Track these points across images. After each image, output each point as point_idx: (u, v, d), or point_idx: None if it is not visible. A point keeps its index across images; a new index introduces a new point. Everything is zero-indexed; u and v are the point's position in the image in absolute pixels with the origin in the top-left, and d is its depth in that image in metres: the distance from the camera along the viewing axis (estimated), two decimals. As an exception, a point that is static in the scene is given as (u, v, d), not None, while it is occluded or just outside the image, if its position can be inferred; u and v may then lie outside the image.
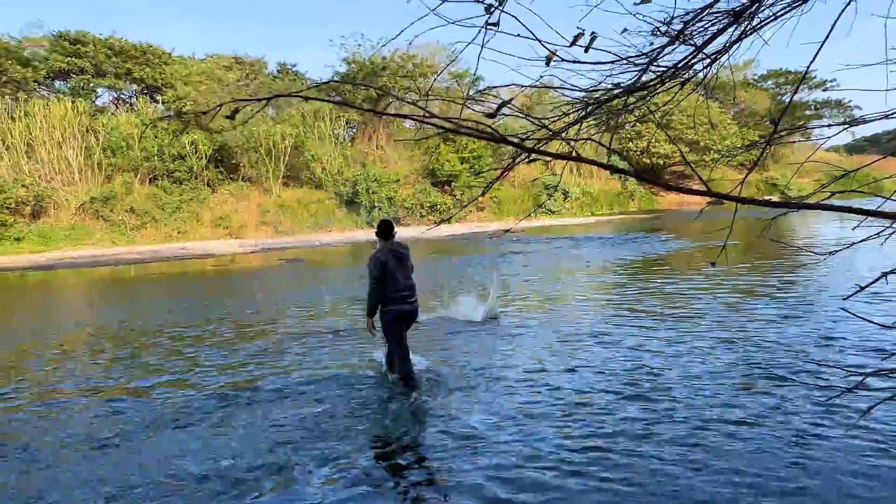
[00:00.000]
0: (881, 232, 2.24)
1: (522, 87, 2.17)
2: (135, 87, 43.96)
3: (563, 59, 2.02)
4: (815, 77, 53.14)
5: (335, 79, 44.65)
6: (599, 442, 4.26)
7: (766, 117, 55.13)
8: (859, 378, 3.75)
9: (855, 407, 4.59)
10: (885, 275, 2.22)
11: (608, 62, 2.25)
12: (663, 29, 2.26)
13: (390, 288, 5.63)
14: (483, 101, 1.91)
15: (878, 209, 1.82)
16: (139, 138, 36.99)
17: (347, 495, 3.71)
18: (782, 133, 2.52)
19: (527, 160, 1.77)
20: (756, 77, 60.89)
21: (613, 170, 1.82)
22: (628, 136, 48.99)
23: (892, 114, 2.06)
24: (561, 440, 4.33)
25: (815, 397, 4.87)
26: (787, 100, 57.45)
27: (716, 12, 2.41)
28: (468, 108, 1.93)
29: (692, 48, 2.47)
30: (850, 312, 2.53)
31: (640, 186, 52.22)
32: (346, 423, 4.89)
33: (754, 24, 2.44)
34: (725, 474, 3.71)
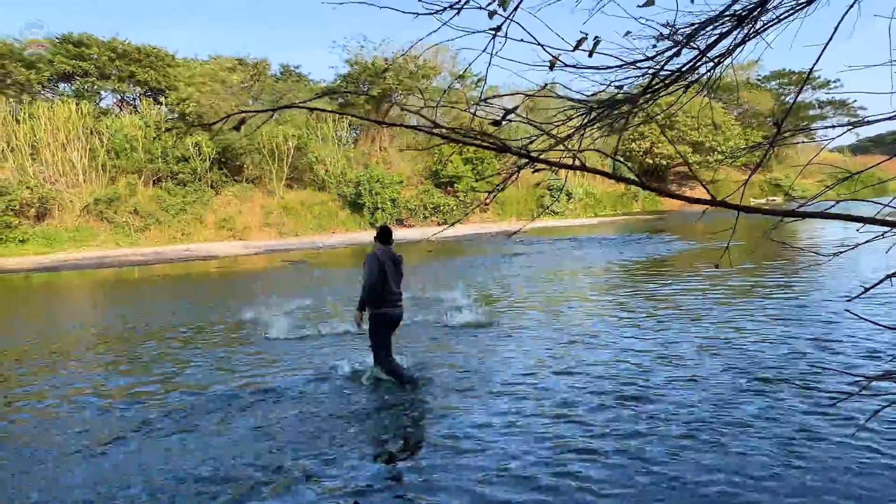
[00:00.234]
0: (885, 234, 2.24)
1: (527, 94, 2.19)
2: (138, 89, 44.13)
3: (566, 65, 2.02)
4: (818, 77, 53.03)
5: (339, 84, 44.76)
6: (591, 444, 4.25)
7: (770, 117, 55.01)
8: (865, 381, 3.75)
9: (852, 408, 4.57)
10: (889, 276, 2.22)
11: (612, 67, 2.25)
12: (666, 32, 2.26)
13: (385, 290, 5.78)
14: (489, 106, 1.91)
15: (876, 216, 1.81)
16: (147, 147, 37.17)
17: (342, 495, 3.72)
18: (786, 134, 2.52)
19: (532, 171, 1.77)
20: (759, 77, 60.78)
21: (618, 179, 1.82)
22: (631, 136, 48.91)
23: (897, 116, 2.06)
24: (551, 442, 4.33)
25: (815, 400, 4.86)
26: (791, 102, 57.28)
27: (719, 16, 2.41)
28: (471, 113, 1.94)
29: (696, 52, 2.47)
30: (855, 314, 2.53)
31: (643, 187, 52.11)
32: (345, 424, 4.90)
33: (757, 27, 2.44)
34: (715, 475, 3.71)
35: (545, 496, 3.60)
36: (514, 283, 13.30)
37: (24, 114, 36.78)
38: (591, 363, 6.33)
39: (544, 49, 2.10)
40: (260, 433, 4.82)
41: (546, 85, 2.09)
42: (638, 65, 2.32)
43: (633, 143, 48.48)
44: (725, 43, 2.48)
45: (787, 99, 58.77)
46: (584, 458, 4.06)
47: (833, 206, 1.82)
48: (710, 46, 2.47)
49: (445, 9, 1.82)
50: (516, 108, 1.84)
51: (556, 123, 2.20)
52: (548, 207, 42.08)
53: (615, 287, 12.20)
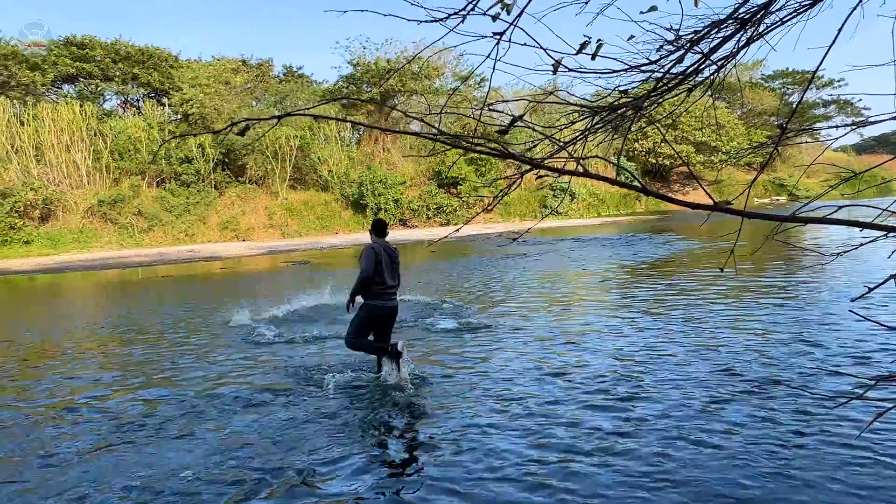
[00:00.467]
0: (888, 234, 2.25)
1: (532, 100, 2.20)
2: (142, 90, 44.28)
3: (568, 69, 2.03)
4: (822, 77, 52.93)
5: (341, 86, 44.81)
6: (588, 445, 4.24)
7: (773, 116, 54.92)
8: (871, 382, 3.73)
9: (854, 408, 4.57)
10: (893, 277, 2.22)
11: (616, 70, 2.26)
12: (670, 38, 2.27)
13: (377, 281, 6.00)
14: (494, 111, 1.92)
15: (874, 221, 1.82)
16: (151, 149, 37.26)
17: (341, 496, 3.73)
18: (789, 134, 2.52)
19: (536, 177, 1.78)
20: (763, 77, 60.68)
21: (621, 185, 1.83)
22: (634, 136, 48.83)
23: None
24: (547, 443, 4.32)
25: (814, 402, 4.84)
26: (795, 102, 57.14)
27: (723, 19, 2.41)
28: (476, 119, 1.95)
29: (699, 55, 2.48)
30: (859, 315, 2.53)
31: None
32: (342, 426, 4.91)
33: (761, 29, 2.44)
34: (711, 475, 3.71)
35: (543, 497, 3.60)
36: (514, 283, 13.29)
37: (29, 115, 36.95)
38: (588, 364, 6.32)
39: (547, 53, 2.11)
40: (258, 435, 4.83)
41: (550, 92, 2.11)
42: (641, 68, 2.33)
43: (636, 143, 48.43)
44: (729, 46, 2.49)
45: (790, 98, 58.65)
46: (582, 458, 4.05)
47: (836, 210, 1.82)
48: (713, 49, 2.47)
49: (450, 16, 1.83)
50: (523, 115, 1.85)
51: (559, 127, 2.20)
52: (553, 209, 42.04)
53: (615, 287, 12.19)
